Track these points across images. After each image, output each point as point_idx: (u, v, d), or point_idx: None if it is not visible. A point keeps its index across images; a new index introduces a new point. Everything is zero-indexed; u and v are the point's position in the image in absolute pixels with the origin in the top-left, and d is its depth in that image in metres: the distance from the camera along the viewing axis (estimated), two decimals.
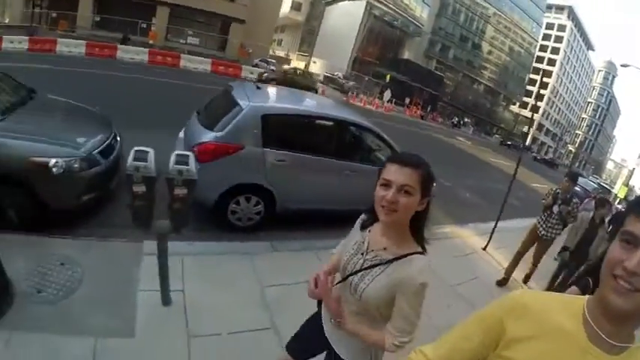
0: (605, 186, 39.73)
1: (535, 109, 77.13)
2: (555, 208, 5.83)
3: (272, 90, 7.07)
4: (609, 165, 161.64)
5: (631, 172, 33.65)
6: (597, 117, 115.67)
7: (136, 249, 4.27)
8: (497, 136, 66.63)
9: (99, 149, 4.60)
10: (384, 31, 52.16)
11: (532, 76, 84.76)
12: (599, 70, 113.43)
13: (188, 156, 3.13)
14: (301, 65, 50.92)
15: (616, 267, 0.94)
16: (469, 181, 9.43)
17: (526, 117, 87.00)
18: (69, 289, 3.52)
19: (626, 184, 33.38)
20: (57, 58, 18.10)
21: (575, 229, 5.93)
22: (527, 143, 78.51)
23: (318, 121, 5.84)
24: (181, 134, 5.81)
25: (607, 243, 4.73)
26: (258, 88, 5.89)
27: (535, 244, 6.12)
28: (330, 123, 5.87)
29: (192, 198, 3.22)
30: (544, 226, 5.98)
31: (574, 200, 5.97)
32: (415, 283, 1.58)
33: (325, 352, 2.00)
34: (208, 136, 4.87)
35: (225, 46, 33.09)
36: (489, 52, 71.26)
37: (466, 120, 58.16)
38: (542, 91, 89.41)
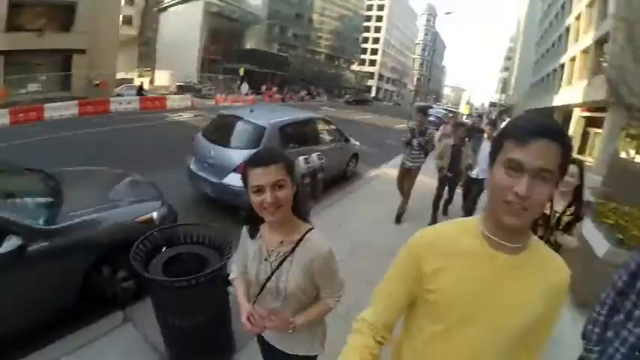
0: (452, 109, 45.83)
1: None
2: (415, 142, 6.76)
3: (266, 108, 8.70)
4: (446, 90, 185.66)
5: (469, 93, 39.42)
6: (427, 54, 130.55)
7: None
8: (347, 96, 69.17)
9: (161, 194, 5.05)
10: (225, 26, 51.43)
11: (365, 34, 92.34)
12: (422, 14, 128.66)
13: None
14: (146, 81, 48.15)
15: (506, 193, 1.06)
16: (357, 138, 11.53)
17: (366, 72, 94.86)
18: None
19: (468, 103, 39.44)
20: None
21: (440, 155, 7.02)
22: (373, 95, 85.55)
23: (301, 124, 7.91)
24: (193, 166, 6.86)
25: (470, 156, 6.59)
26: (251, 111, 7.38)
27: (407, 177, 7.02)
28: (306, 122, 8.18)
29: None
30: (409, 159, 6.92)
31: (428, 131, 6.97)
32: (323, 254, 1.73)
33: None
34: (247, 153, 6.01)
35: (69, 84, 29.59)
36: (322, 23, 74.60)
37: (319, 90, 61.19)
38: (375, 46, 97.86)
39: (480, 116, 71.49)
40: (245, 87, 38.02)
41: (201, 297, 2.99)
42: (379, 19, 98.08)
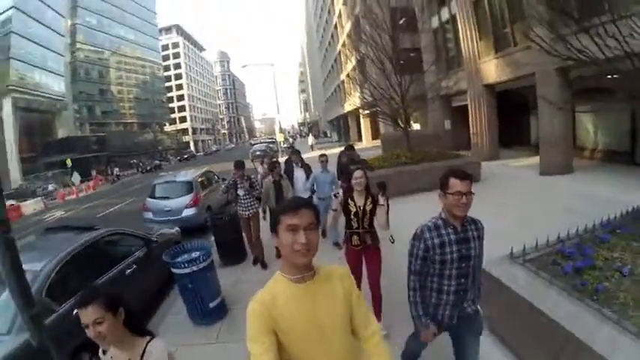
0: (271, 140, 50.96)
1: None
2: (240, 192, 7.46)
3: (181, 172, 13.52)
4: (257, 124, 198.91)
5: (279, 121, 45.98)
6: (229, 97, 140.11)
7: None
8: (171, 157, 72.90)
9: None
10: (36, 119, 49.18)
11: (169, 94, 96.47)
12: (215, 62, 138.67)
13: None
14: None
15: (293, 246, 1.63)
16: None
17: (180, 129, 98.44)
18: None
19: (281, 131, 44.97)
20: None
21: (266, 194, 7.63)
22: (193, 149, 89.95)
23: (203, 175, 12.91)
24: (153, 217, 11.16)
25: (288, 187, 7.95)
26: (175, 176, 12.42)
27: (251, 225, 7.64)
28: (205, 173, 13.33)
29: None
30: (244, 208, 7.58)
31: (252, 178, 7.75)
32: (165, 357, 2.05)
33: None
34: (188, 197, 11.20)
35: None
36: (128, 93, 75.84)
37: (146, 161, 61.41)
38: (181, 103, 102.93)
39: (294, 137, 78.20)
40: (77, 176, 38.94)
41: (230, 226, 7.72)
42: (178, 76, 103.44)
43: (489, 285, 4.03)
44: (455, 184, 2.55)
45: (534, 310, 3.39)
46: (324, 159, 8.30)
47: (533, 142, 17.74)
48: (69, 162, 42.31)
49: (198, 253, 5.67)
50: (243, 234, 7.94)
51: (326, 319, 1.74)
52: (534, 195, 10.33)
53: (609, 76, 5.61)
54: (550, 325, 3.20)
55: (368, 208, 4.43)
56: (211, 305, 5.49)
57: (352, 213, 4.47)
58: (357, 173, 4.43)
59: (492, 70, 16.11)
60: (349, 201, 4.49)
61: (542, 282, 3.58)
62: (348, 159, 9.14)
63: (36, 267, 4.30)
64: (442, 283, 2.77)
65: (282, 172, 8.44)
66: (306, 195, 8.25)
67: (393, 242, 4.82)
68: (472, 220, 2.79)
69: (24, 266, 3.82)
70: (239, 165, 7.50)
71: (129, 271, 5.77)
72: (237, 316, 5.59)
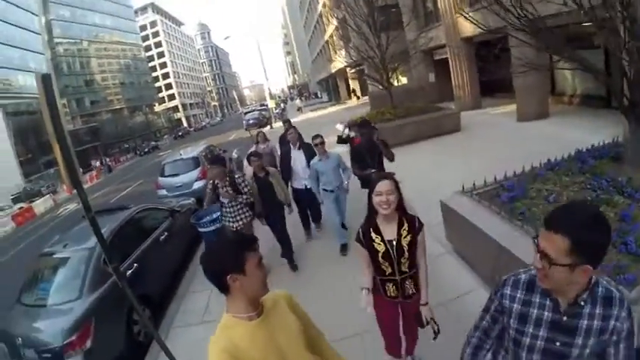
0: (264, 107, 49.65)
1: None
2: (224, 200, 5.68)
3: (186, 149, 14.54)
4: (246, 92, 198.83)
5: (268, 87, 46.51)
6: (215, 68, 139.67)
7: None
8: (165, 136, 73.68)
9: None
10: (27, 121, 47.82)
11: (154, 74, 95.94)
12: (196, 35, 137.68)
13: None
14: None
15: (263, 282, 1.76)
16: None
17: (169, 108, 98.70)
18: None
19: (272, 97, 45.14)
20: None
21: (255, 195, 5.84)
22: (186, 126, 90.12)
23: (207, 149, 13.87)
24: (166, 193, 12.21)
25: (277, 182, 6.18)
26: (181, 154, 13.34)
27: None
28: (208, 147, 14.17)
29: None
30: (231, 219, 5.81)
31: (236, 177, 5.77)
32: None
33: None
34: (196, 171, 12.25)
35: None
36: (113, 79, 75.73)
37: (142, 145, 62.32)
38: (167, 81, 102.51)
39: (285, 101, 76.94)
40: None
41: None
42: (161, 55, 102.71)
43: (447, 213, 5.31)
44: (541, 234, 1.46)
45: (475, 228, 4.52)
46: (318, 141, 5.99)
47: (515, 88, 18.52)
48: None
49: (218, 213, 6.45)
50: None
51: (287, 347, 1.75)
52: (508, 140, 11.27)
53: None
54: (485, 238, 4.29)
55: (405, 241, 2.73)
56: None
57: (381, 253, 2.76)
58: (383, 186, 2.64)
59: (468, 23, 16.60)
60: (372, 234, 2.78)
61: (482, 208, 4.72)
62: (366, 141, 6.37)
63: (91, 244, 5.44)
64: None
65: (279, 156, 7.45)
66: (309, 183, 6.41)
67: (436, 334, 2.83)
68: (605, 296, 1.52)
69: (85, 246, 5.51)
70: (216, 161, 5.80)
71: (162, 238, 7.05)
72: None
